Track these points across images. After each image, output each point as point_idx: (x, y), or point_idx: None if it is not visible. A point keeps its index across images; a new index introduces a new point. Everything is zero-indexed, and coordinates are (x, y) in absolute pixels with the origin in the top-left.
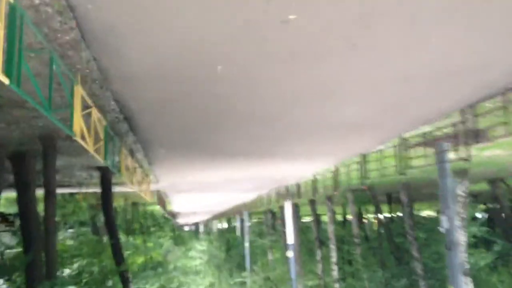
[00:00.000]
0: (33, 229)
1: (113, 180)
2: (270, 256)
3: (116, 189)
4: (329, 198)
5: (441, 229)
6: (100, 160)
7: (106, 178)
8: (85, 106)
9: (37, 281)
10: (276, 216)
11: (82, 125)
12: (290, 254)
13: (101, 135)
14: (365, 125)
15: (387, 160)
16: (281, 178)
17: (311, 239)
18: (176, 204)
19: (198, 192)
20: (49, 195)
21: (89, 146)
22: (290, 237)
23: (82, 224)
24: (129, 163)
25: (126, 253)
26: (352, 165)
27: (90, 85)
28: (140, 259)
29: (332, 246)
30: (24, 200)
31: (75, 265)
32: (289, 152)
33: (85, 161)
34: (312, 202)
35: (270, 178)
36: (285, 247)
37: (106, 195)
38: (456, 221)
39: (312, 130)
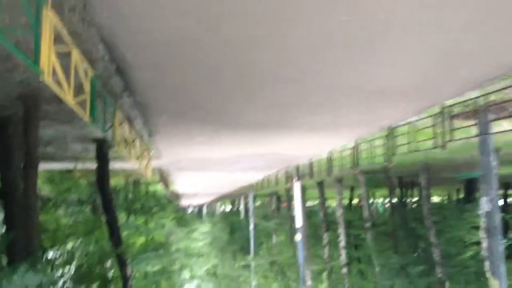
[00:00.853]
0: (16, 206)
1: (111, 155)
2: (274, 240)
3: (115, 165)
4: (339, 180)
5: (481, 213)
6: (83, 115)
7: (102, 151)
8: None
9: (18, 262)
10: (281, 199)
11: (55, 63)
12: (298, 237)
13: (87, 87)
14: (399, 90)
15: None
16: (292, 157)
17: (315, 223)
18: (179, 184)
19: (202, 171)
20: (30, 167)
21: (66, 95)
22: (299, 220)
23: (81, 202)
24: (126, 132)
25: (125, 234)
26: (363, 145)
27: (69, 16)
28: (141, 240)
29: (341, 230)
30: (7, 174)
31: (69, 245)
32: (306, 124)
33: (78, 131)
34: (320, 184)
35: (280, 156)
36: (291, 230)
37: (102, 171)
38: (496, 204)
39: (336, 96)
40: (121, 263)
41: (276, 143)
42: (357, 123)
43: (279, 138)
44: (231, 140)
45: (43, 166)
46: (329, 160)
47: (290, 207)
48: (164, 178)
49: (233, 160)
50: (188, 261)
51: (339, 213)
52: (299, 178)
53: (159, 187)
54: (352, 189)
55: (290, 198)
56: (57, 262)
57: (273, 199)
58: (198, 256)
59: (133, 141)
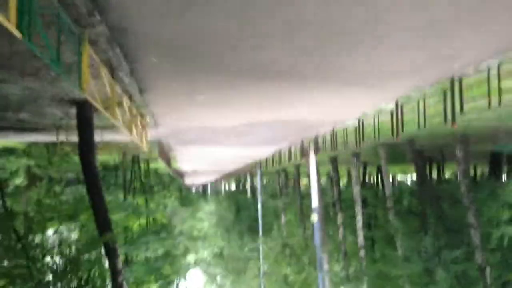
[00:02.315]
0: None
1: (98, 122)
2: (283, 219)
3: (106, 137)
4: (356, 155)
5: None
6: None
7: (83, 115)
8: None
9: None
10: (288, 177)
11: None
12: (314, 218)
13: None
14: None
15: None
16: (311, 124)
17: (325, 202)
18: (182, 161)
19: (206, 144)
20: None
21: None
22: (314, 199)
23: (73, 181)
24: (106, 83)
25: (122, 216)
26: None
27: None
28: (140, 222)
29: (358, 209)
30: None
31: (50, 231)
32: (342, 72)
33: (49, 88)
34: (334, 159)
35: (297, 124)
36: (301, 209)
37: (85, 140)
38: None
39: (379, 39)
40: (110, 253)
41: (297, 104)
42: (414, 70)
43: (303, 96)
44: (242, 99)
45: (22, 137)
46: (359, 128)
47: (299, 185)
48: (164, 153)
49: (243, 129)
50: (193, 244)
51: (355, 190)
52: (316, 151)
53: (161, 165)
54: (365, 165)
55: (299, 175)
56: (33, 252)
57: (281, 177)
58: (204, 239)
59: (119, 100)
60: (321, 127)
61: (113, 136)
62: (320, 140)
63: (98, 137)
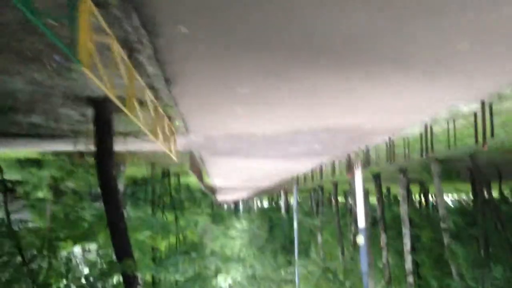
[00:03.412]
0: None
1: (120, 127)
2: (319, 239)
3: (131, 145)
4: (404, 170)
5: None
6: None
7: (101, 116)
8: None
9: None
10: (323, 194)
11: None
12: (361, 240)
13: None
14: None
15: None
16: (363, 133)
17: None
18: (214, 176)
19: (242, 157)
20: None
21: None
22: (361, 219)
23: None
24: (119, 60)
25: (148, 233)
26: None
27: None
28: (168, 241)
29: (405, 231)
30: None
31: (63, 254)
32: (426, 57)
33: (60, 81)
34: (377, 176)
35: (345, 133)
36: (339, 229)
37: (102, 145)
38: None
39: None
40: (129, 282)
41: (360, 103)
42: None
43: (375, 87)
44: (292, 95)
45: (39, 146)
46: (426, 135)
47: (337, 203)
48: (196, 166)
49: (285, 139)
50: (225, 265)
51: (403, 209)
52: (365, 165)
53: (192, 179)
54: (421, 183)
55: (337, 193)
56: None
57: (317, 194)
58: (238, 261)
59: (141, 94)
60: (375, 135)
61: (140, 144)
62: (366, 154)
63: (122, 145)
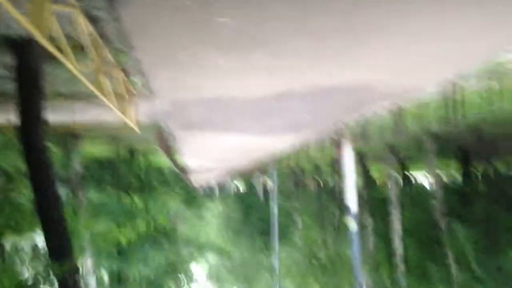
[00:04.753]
0: None
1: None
2: (299, 223)
3: (78, 114)
4: (393, 148)
5: None
6: None
7: (25, 64)
8: None
9: None
10: (304, 175)
11: None
12: (352, 225)
13: None
14: None
15: None
16: (367, 93)
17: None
18: (187, 155)
19: (217, 130)
20: None
21: None
22: (352, 202)
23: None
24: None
25: (107, 219)
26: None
27: None
28: (137, 228)
29: (395, 213)
30: None
31: None
32: None
33: None
34: (361, 155)
35: (344, 93)
36: (321, 213)
37: (26, 105)
38: None
39: None
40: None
41: (370, 54)
42: None
43: (386, 27)
44: (278, 40)
45: None
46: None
47: (318, 185)
48: (164, 142)
49: (268, 105)
50: (200, 253)
51: (392, 191)
52: (361, 140)
53: (163, 160)
54: (402, 162)
55: (319, 173)
56: None
57: (297, 175)
58: (213, 248)
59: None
60: (378, 100)
61: (92, 112)
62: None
63: (70, 113)
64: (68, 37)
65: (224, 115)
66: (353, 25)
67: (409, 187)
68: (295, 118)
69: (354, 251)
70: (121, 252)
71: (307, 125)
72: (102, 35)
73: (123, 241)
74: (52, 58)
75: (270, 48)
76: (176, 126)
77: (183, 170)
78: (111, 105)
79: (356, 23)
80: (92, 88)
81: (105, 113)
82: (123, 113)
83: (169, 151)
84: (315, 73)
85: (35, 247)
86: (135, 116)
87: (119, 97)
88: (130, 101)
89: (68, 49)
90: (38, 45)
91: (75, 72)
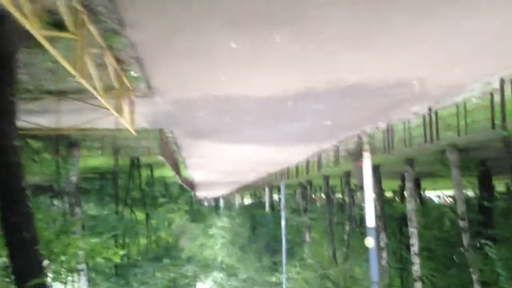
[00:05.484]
0: None
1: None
2: (307, 239)
3: (66, 115)
4: (410, 161)
5: None
6: None
7: None
8: None
9: None
10: (313, 189)
11: None
12: (370, 242)
13: None
14: None
15: None
16: (412, 89)
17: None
18: (192, 167)
19: (224, 137)
20: None
21: None
22: (370, 216)
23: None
24: None
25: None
26: None
27: None
28: (138, 243)
29: (413, 230)
30: None
31: None
32: None
33: None
34: (376, 168)
35: (377, 95)
36: (330, 226)
37: None
38: None
39: None
40: None
41: (406, 45)
42: None
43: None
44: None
45: None
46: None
47: (329, 199)
48: (168, 149)
49: (283, 107)
50: (205, 272)
51: (410, 206)
52: (386, 150)
53: (168, 172)
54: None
55: (328, 187)
56: None
57: (305, 190)
58: (219, 268)
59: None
60: (411, 104)
61: (82, 112)
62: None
63: (57, 115)
64: (50, 12)
65: (234, 120)
66: (385, 12)
67: (426, 204)
68: (311, 125)
69: (372, 270)
70: (120, 271)
71: (324, 134)
72: (89, 9)
73: (121, 259)
74: (31, 43)
75: (291, 30)
76: (181, 134)
77: (189, 184)
78: (100, 99)
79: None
80: (75, 74)
81: (97, 113)
82: (117, 111)
83: (173, 162)
84: (341, 66)
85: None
86: (131, 115)
87: (112, 92)
88: (125, 96)
89: (45, 28)
90: (13, 23)
91: (53, 52)
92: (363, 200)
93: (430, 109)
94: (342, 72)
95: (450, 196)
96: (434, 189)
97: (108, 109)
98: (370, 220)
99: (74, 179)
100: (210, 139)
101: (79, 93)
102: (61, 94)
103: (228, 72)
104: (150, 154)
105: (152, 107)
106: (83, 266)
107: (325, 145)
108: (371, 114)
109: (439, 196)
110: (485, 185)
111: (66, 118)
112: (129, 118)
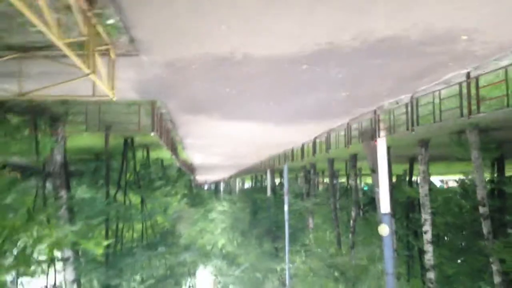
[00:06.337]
0: None
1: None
2: (311, 224)
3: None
4: (424, 142)
5: None
6: None
7: None
8: None
9: None
10: (316, 173)
11: None
12: (385, 230)
13: None
14: None
15: None
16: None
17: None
18: (191, 148)
19: (225, 112)
20: None
21: None
22: (385, 201)
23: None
24: None
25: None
26: None
27: None
28: (132, 229)
29: (426, 216)
30: None
31: None
32: None
33: None
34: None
35: (413, 55)
36: (335, 212)
37: None
38: None
39: None
40: None
41: None
42: None
43: None
44: None
45: None
46: None
47: (333, 183)
48: (164, 130)
49: (298, 71)
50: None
51: (423, 191)
52: (408, 128)
53: (166, 153)
54: (411, 161)
55: (333, 170)
56: None
57: (309, 173)
58: (219, 255)
59: None
60: (453, 64)
61: (48, 72)
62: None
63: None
64: None
65: (235, 90)
66: None
67: (441, 189)
68: (325, 98)
69: (387, 261)
70: (111, 259)
71: (338, 109)
72: None
73: (113, 246)
74: None
75: None
76: (176, 108)
77: (189, 168)
78: (63, 48)
79: None
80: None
81: (66, 73)
82: (89, 68)
83: (169, 142)
84: (367, 16)
85: None
86: (111, 78)
87: (83, 46)
88: (100, 51)
89: None
90: None
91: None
92: (376, 184)
93: (468, 76)
94: (376, 21)
95: (461, 180)
96: (435, 173)
97: (78, 67)
98: (385, 206)
99: (58, 158)
100: (208, 115)
101: (45, 49)
102: (24, 50)
103: (231, 18)
104: (141, 130)
105: (139, 71)
106: (69, 254)
107: (337, 122)
108: (397, 83)
109: (442, 181)
110: (499, 169)
111: (31, 82)
112: (108, 81)
